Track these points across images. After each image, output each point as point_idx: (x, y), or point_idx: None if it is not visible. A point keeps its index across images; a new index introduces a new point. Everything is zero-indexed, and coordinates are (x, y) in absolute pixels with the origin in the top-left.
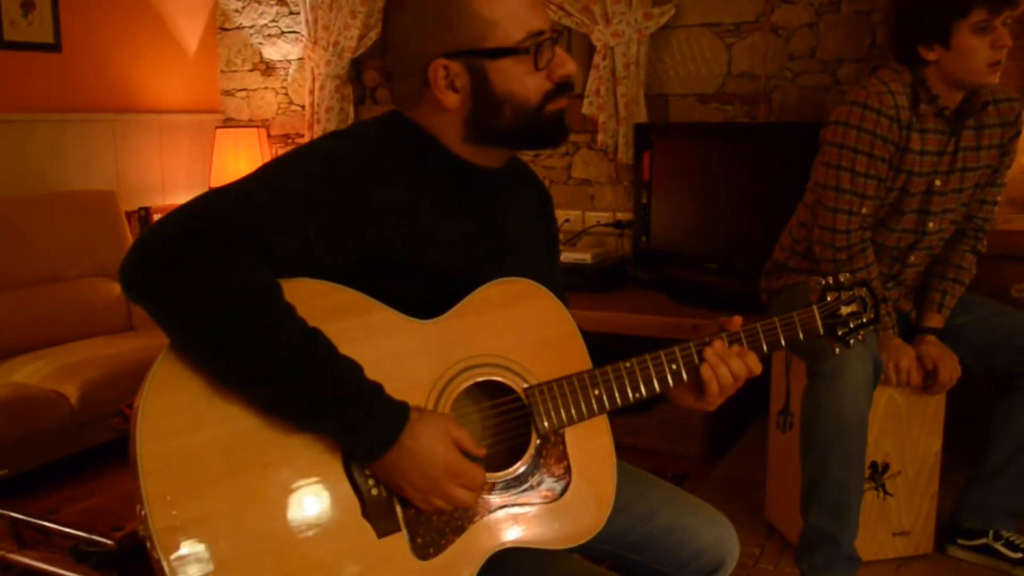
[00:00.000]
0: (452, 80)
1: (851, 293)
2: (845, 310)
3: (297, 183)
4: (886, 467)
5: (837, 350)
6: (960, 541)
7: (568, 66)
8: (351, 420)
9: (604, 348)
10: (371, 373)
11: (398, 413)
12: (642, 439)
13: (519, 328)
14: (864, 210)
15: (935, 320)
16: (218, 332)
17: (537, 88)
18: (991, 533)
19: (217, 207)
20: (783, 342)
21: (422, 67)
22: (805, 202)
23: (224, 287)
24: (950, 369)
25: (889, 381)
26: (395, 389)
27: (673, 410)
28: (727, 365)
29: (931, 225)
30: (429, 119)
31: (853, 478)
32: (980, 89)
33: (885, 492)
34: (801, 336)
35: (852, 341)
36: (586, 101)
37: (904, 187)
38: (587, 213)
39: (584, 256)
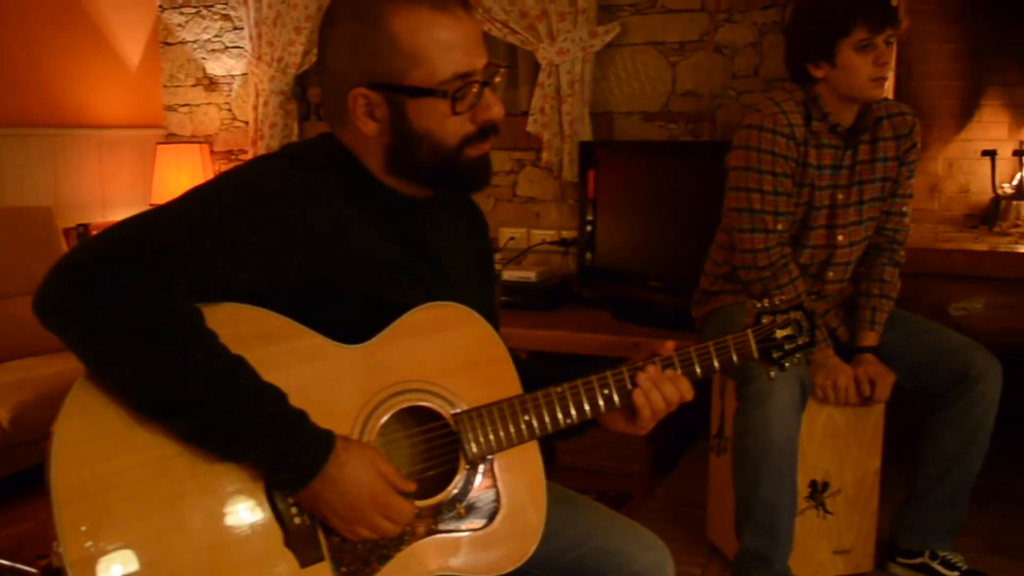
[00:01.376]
0: (372, 110)
1: (786, 316)
2: (780, 333)
3: (221, 208)
4: (826, 485)
5: (772, 374)
6: (899, 559)
7: (493, 111)
8: (274, 449)
9: (540, 373)
10: (296, 400)
11: (323, 441)
12: (586, 458)
13: (447, 353)
14: (779, 226)
15: (869, 338)
16: (134, 362)
17: (456, 130)
18: (928, 552)
19: (137, 234)
20: (717, 366)
21: (345, 91)
22: (722, 227)
23: (141, 316)
24: (888, 386)
25: (827, 400)
26: (321, 415)
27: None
28: (659, 391)
29: (840, 238)
30: (354, 143)
31: (784, 499)
32: (873, 104)
33: (825, 510)
34: (735, 360)
35: (788, 364)
36: (531, 119)
37: (809, 201)
38: (532, 231)
39: (529, 274)
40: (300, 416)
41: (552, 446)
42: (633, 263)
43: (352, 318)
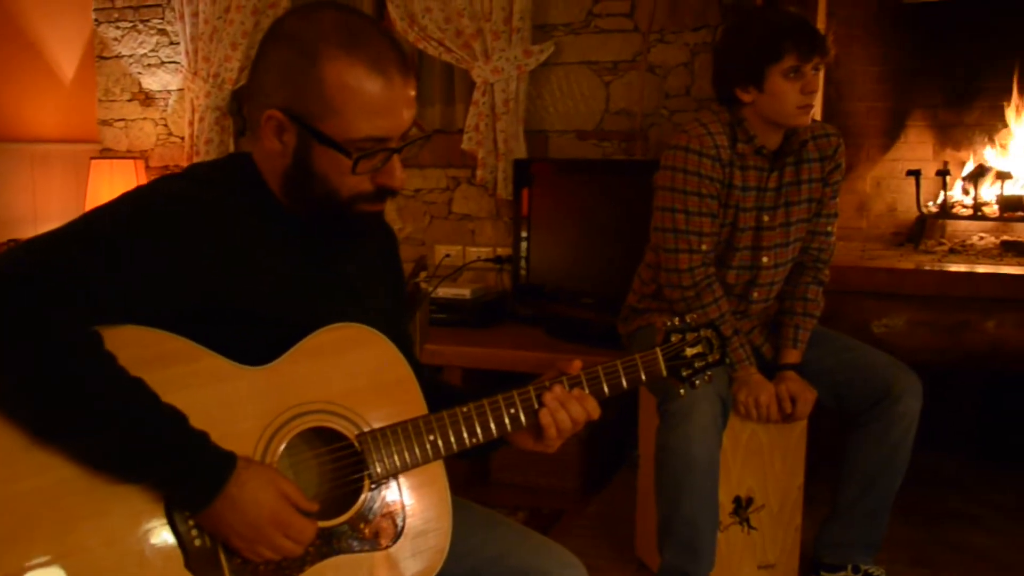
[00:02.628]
0: (281, 133)
1: (696, 335)
2: (690, 351)
3: (119, 229)
4: (750, 501)
5: (682, 391)
6: (822, 574)
7: (395, 180)
8: (174, 471)
9: (454, 392)
10: (198, 422)
11: (223, 462)
12: (519, 476)
13: (352, 374)
14: (704, 247)
15: (792, 356)
16: (29, 386)
17: (353, 186)
18: (850, 566)
19: (35, 256)
20: (625, 384)
21: (264, 106)
22: (650, 245)
23: (37, 339)
24: (809, 403)
25: (750, 417)
26: (222, 436)
27: None
28: (566, 409)
29: (765, 260)
30: (261, 159)
31: (704, 515)
32: (799, 127)
33: (749, 526)
34: (644, 378)
35: (698, 382)
36: (466, 136)
37: (733, 222)
38: (468, 248)
39: (463, 291)
40: (200, 437)
41: (487, 465)
42: (566, 280)
43: (255, 339)
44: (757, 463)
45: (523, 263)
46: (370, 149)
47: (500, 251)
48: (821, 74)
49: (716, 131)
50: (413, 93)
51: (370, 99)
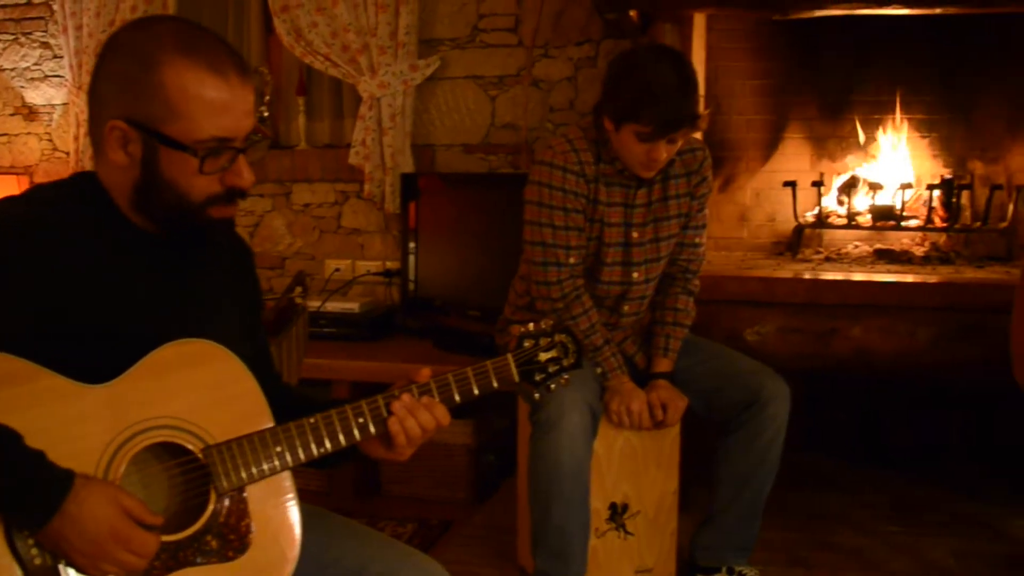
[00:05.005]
0: (126, 143)
1: (550, 340)
2: (544, 356)
3: None
4: (625, 507)
5: (537, 395)
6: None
7: (243, 179)
8: (8, 491)
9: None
10: (37, 441)
11: (60, 480)
12: (411, 487)
13: (197, 389)
14: (571, 260)
15: (663, 365)
16: None
17: (203, 189)
18: (725, 568)
19: None
20: (477, 391)
21: (106, 119)
22: (523, 258)
23: None
24: (680, 410)
25: (622, 424)
26: (62, 455)
27: (439, 456)
28: (415, 417)
29: (636, 275)
30: (106, 175)
31: (574, 523)
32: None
33: (626, 532)
34: (496, 384)
35: (553, 386)
36: (352, 151)
37: (599, 236)
38: (357, 262)
39: (352, 306)
40: (36, 456)
41: (377, 476)
42: (454, 293)
43: (99, 357)
44: (632, 470)
45: (411, 276)
46: (215, 148)
47: (389, 265)
48: (679, 144)
49: (581, 147)
50: (252, 99)
51: (211, 99)
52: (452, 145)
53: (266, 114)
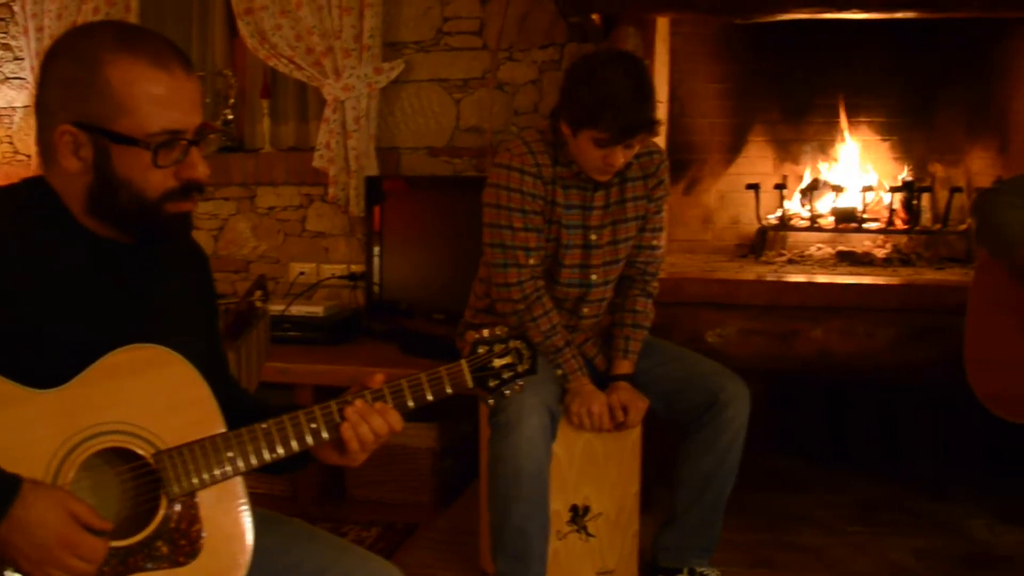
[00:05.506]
0: (77, 148)
1: (504, 346)
2: (498, 362)
3: None
4: (587, 509)
5: (491, 401)
6: None
7: (198, 170)
8: None
9: (266, 410)
10: None
11: (7, 485)
12: (376, 491)
13: (148, 394)
14: (531, 261)
15: (623, 367)
16: None
17: (158, 184)
18: (687, 569)
19: None
20: (431, 397)
21: (54, 126)
22: (482, 260)
23: None
24: (641, 411)
25: (583, 426)
26: (11, 461)
27: (405, 460)
28: (368, 423)
29: (594, 277)
30: (59, 182)
31: (534, 525)
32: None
33: (587, 534)
34: (450, 390)
35: (507, 392)
36: (317, 154)
37: (557, 238)
38: (322, 266)
39: (316, 309)
40: None
41: (341, 481)
42: (419, 296)
43: (50, 362)
44: (593, 472)
45: (376, 280)
46: (167, 141)
47: (354, 268)
48: (635, 149)
49: (538, 150)
50: (198, 92)
51: (157, 92)
52: (417, 148)
53: (230, 117)
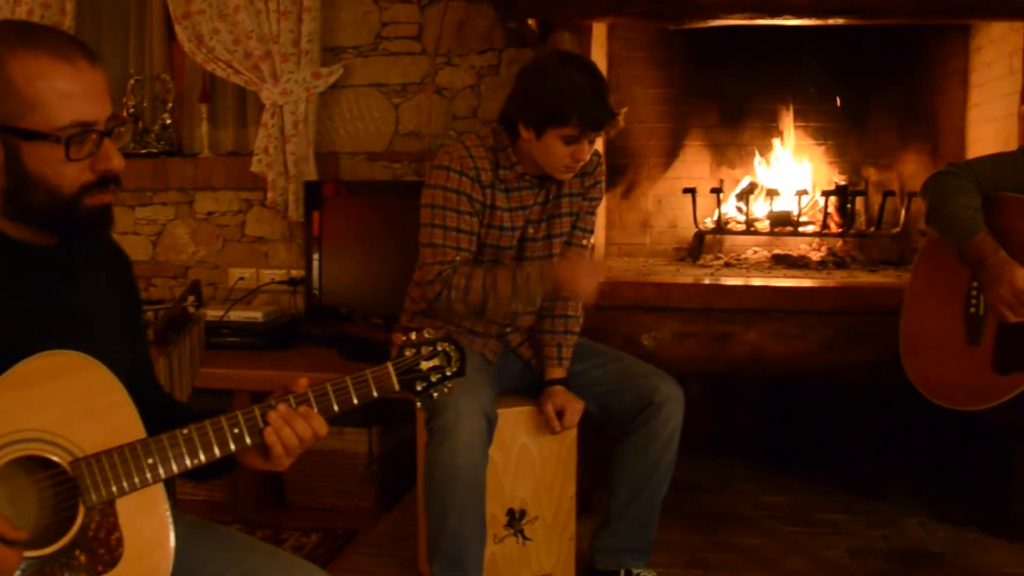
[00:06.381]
0: None
1: (432, 348)
2: (426, 365)
3: None
4: (523, 513)
5: (419, 404)
6: None
7: (112, 162)
8: None
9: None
10: None
11: None
12: (316, 497)
13: (65, 401)
14: (459, 258)
15: (558, 372)
16: None
17: (74, 178)
18: (623, 571)
19: None
20: (356, 400)
21: None
22: (418, 264)
23: None
24: (577, 413)
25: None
26: None
27: (344, 465)
28: (291, 427)
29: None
30: None
31: (470, 530)
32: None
33: (524, 537)
34: (375, 393)
35: (436, 395)
36: (255, 159)
37: (497, 243)
38: (261, 271)
39: (255, 314)
40: None
41: (281, 487)
42: (358, 301)
43: None
44: (529, 475)
45: (316, 285)
46: (78, 134)
47: (294, 273)
48: (598, 142)
49: (478, 155)
50: (104, 83)
51: (62, 86)
52: (356, 153)
53: (168, 121)
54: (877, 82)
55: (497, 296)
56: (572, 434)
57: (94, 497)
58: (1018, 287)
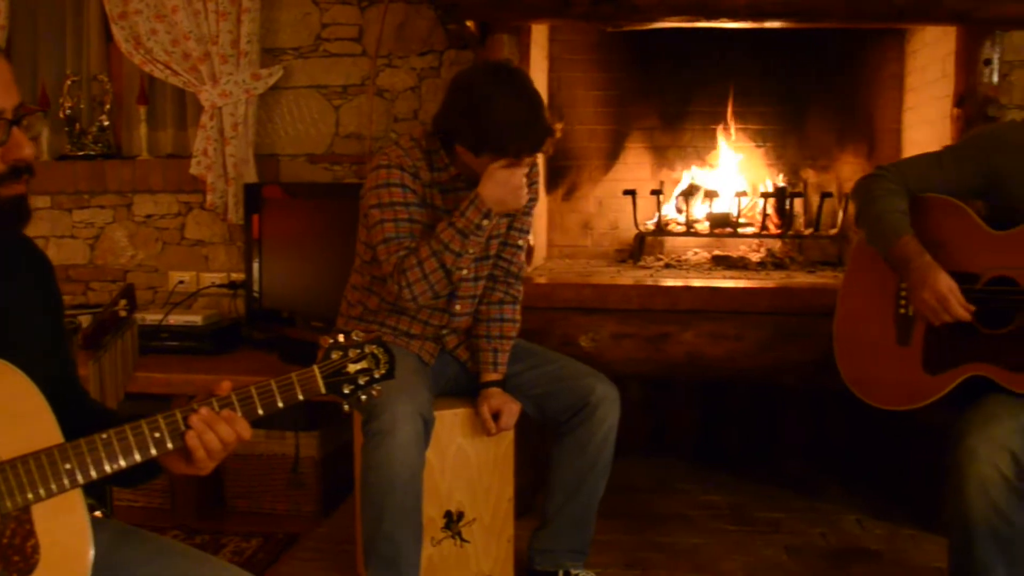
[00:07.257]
0: None
1: (359, 351)
2: (353, 368)
3: None
4: (460, 515)
5: (346, 407)
6: None
7: (24, 151)
8: None
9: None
10: None
11: None
12: (257, 502)
13: None
14: (413, 245)
15: (493, 376)
16: None
17: None
18: (561, 572)
19: None
20: (281, 404)
21: None
22: (355, 267)
23: None
24: (514, 414)
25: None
26: None
27: (285, 469)
28: (214, 431)
29: (465, 272)
30: None
31: (407, 532)
32: None
33: (462, 539)
34: (301, 396)
35: (363, 397)
36: (194, 161)
37: None
38: (201, 274)
39: (195, 318)
40: None
41: (221, 491)
42: (298, 304)
43: None
44: (466, 477)
45: (257, 288)
46: None
47: (234, 276)
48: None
49: (415, 156)
50: (8, 72)
51: None
52: (296, 155)
53: (106, 123)
54: (815, 85)
55: (450, 250)
56: (509, 436)
57: (8, 504)
58: (940, 292)
